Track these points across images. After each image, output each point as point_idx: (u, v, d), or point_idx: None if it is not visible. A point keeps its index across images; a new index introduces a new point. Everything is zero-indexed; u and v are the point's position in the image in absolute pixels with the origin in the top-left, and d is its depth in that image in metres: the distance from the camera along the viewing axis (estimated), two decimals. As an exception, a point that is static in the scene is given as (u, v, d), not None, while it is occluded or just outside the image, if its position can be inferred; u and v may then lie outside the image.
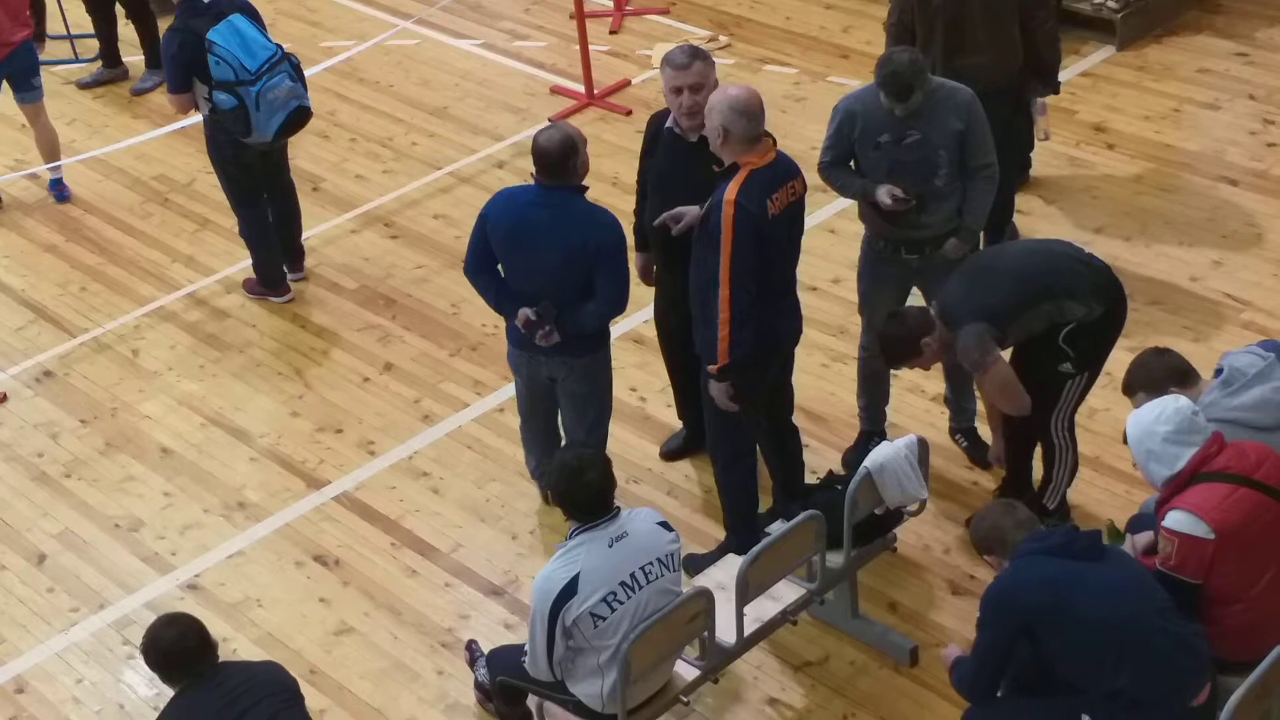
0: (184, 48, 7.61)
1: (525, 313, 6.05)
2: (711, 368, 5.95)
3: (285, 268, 8.37)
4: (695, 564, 6.17)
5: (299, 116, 7.75)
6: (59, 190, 9.31)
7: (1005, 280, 5.96)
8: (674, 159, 6.26)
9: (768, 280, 5.88)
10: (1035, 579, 4.87)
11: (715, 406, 6.10)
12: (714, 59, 6.28)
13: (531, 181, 6.04)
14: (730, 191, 5.73)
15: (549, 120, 9.66)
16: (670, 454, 7.16)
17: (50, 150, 9.21)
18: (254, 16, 7.76)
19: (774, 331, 6.07)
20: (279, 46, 7.70)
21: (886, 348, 6.17)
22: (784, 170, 5.92)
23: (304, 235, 8.82)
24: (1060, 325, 5.94)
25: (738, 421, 6.18)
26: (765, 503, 6.54)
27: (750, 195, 5.74)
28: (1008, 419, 6.29)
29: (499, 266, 6.16)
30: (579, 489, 5.14)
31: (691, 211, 6.08)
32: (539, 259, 5.98)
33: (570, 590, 5.06)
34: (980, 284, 5.99)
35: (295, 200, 8.34)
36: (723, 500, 6.46)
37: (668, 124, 6.31)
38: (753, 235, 5.74)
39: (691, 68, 6.12)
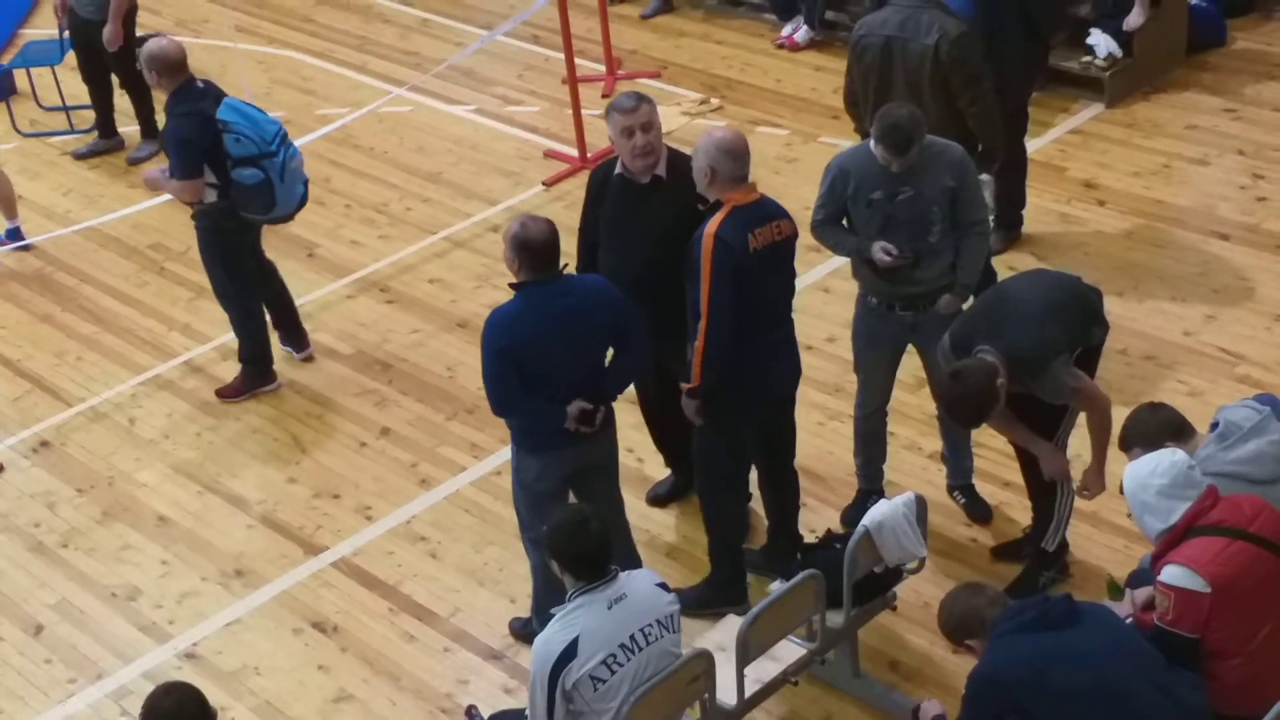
0: (200, 131, 7.47)
1: (579, 404, 5.89)
2: (685, 385, 6.09)
3: (292, 348, 8.32)
4: (682, 601, 6.13)
5: (306, 190, 7.79)
6: (16, 238, 9.43)
7: (1052, 314, 5.95)
8: (626, 204, 6.32)
9: (751, 315, 5.99)
10: (1014, 660, 4.86)
11: (701, 437, 6.24)
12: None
13: (513, 278, 5.87)
14: (711, 225, 5.92)
15: (542, 184, 9.72)
16: (657, 499, 7.19)
17: (7, 202, 9.42)
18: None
19: (763, 369, 6.14)
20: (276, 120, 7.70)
21: (966, 410, 5.86)
22: (769, 211, 6.08)
23: (300, 300, 8.86)
24: (1075, 349, 5.98)
25: (721, 450, 6.27)
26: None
27: (730, 229, 5.90)
28: (1028, 464, 6.31)
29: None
30: (586, 541, 5.11)
31: None
32: (578, 350, 5.89)
33: (570, 653, 5.04)
34: (1032, 322, 5.91)
35: (281, 279, 8.27)
36: (706, 529, 6.51)
37: (617, 171, 6.40)
38: (731, 268, 5.89)
39: (639, 109, 6.26)
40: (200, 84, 7.63)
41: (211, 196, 7.64)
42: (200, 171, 7.55)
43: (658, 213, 6.15)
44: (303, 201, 7.77)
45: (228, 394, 8.16)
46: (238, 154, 7.46)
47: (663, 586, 5.30)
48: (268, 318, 8.22)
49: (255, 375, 8.17)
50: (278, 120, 7.65)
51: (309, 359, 8.34)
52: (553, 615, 5.19)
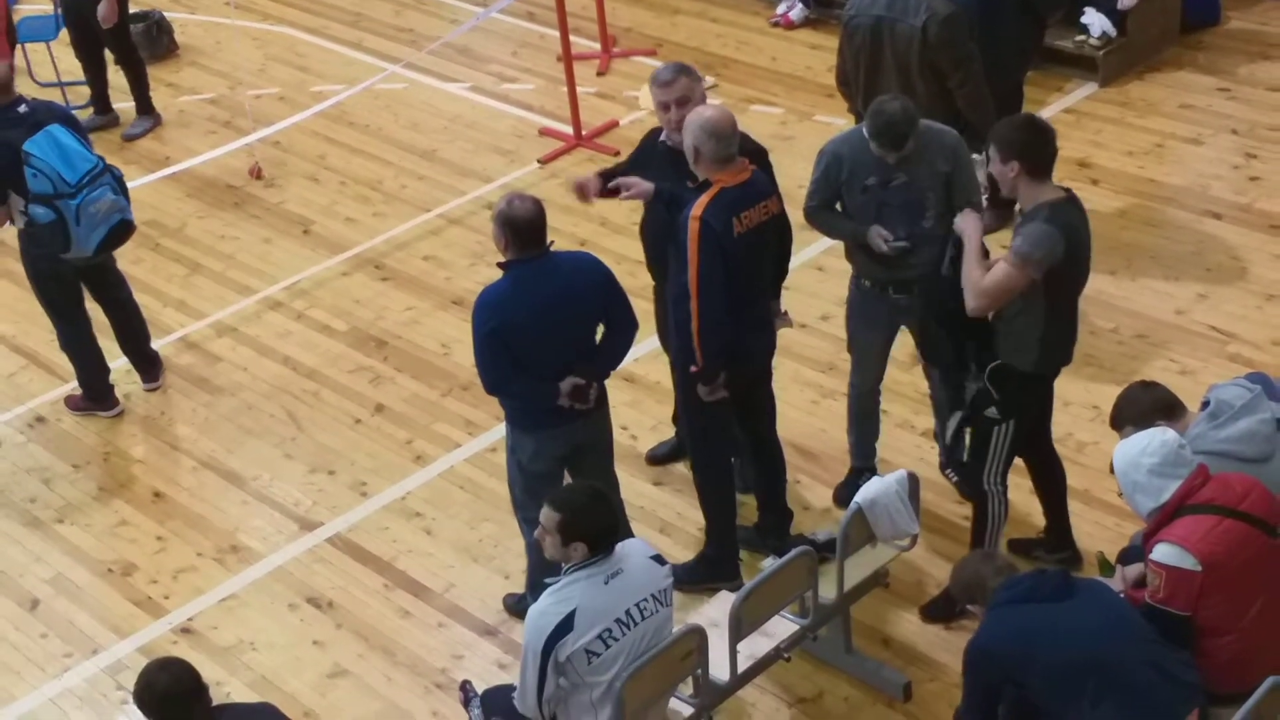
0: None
1: (572, 380, 5.90)
2: (693, 368, 6.12)
3: (140, 377, 8.10)
4: (675, 576, 6.17)
5: (122, 230, 7.50)
6: None
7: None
8: (671, 172, 6.33)
9: (733, 294, 6.00)
10: (1005, 632, 4.93)
11: (691, 412, 6.29)
12: (700, 75, 6.40)
13: (502, 256, 5.88)
14: (696, 208, 5.90)
15: (538, 162, 9.72)
16: (656, 459, 7.25)
17: None
18: (74, 126, 7.52)
19: (739, 342, 6.15)
20: (100, 158, 7.46)
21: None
22: (757, 190, 6.05)
23: (295, 277, 8.87)
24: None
25: (710, 427, 6.33)
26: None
27: (715, 213, 5.90)
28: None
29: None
30: (605, 514, 5.15)
31: (641, 184, 6.25)
32: (568, 329, 5.89)
33: (566, 627, 5.06)
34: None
35: (135, 312, 8.01)
36: (701, 505, 6.55)
37: (662, 138, 6.43)
38: (716, 250, 5.89)
39: (676, 83, 6.27)
40: (24, 108, 7.37)
41: (21, 223, 7.47)
42: (2, 200, 7.37)
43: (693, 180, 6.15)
44: (104, 247, 7.48)
45: (70, 404, 8.05)
46: (34, 189, 7.25)
47: (656, 559, 5.32)
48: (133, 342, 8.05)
49: (86, 397, 7.99)
50: (97, 160, 7.41)
51: (155, 390, 8.10)
52: (547, 585, 5.21)
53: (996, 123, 5.95)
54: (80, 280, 7.77)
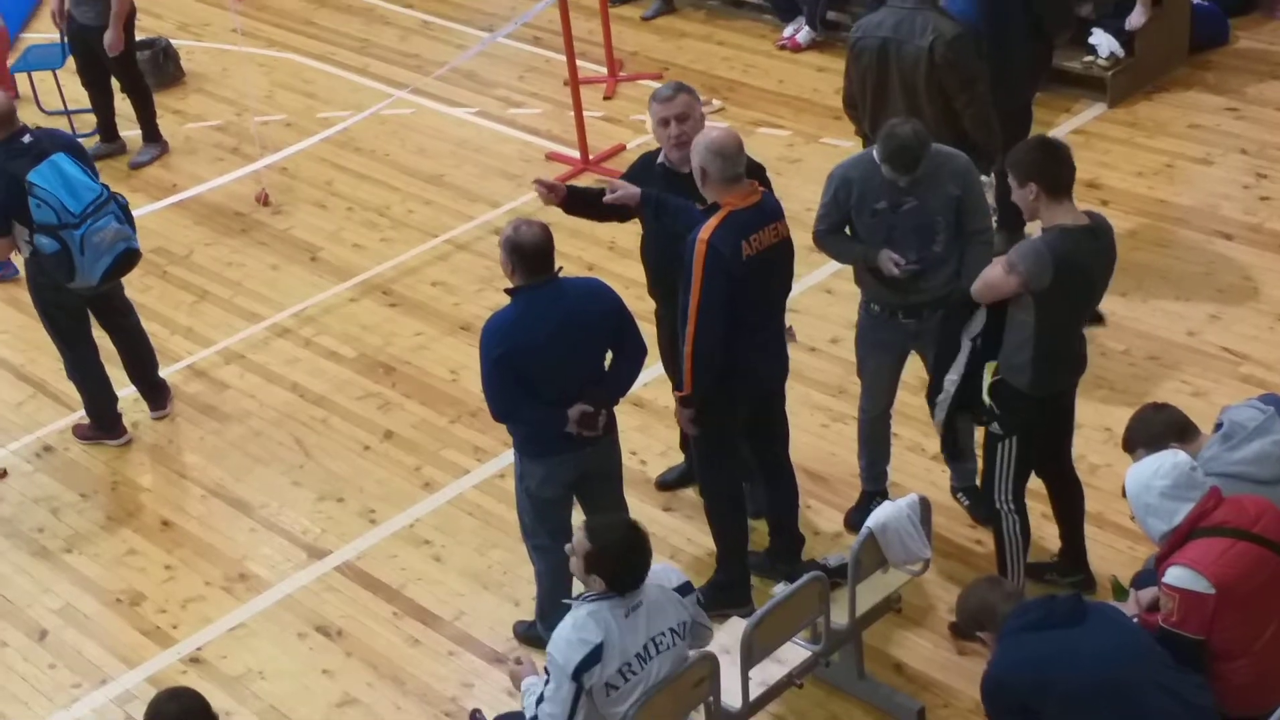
0: (3, 191, 7.22)
1: (580, 408, 5.86)
2: (676, 394, 6.11)
3: (148, 406, 8.09)
4: None
5: (127, 259, 7.50)
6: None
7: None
8: (669, 192, 6.29)
9: (741, 317, 5.98)
10: (1020, 659, 4.90)
11: (701, 437, 6.26)
12: (700, 95, 6.40)
13: (510, 282, 5.86)
14: (704, 231, 5.88)
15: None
16: (666, 484, 7.25)
17: None
18: (79, 155, 7.51)
19: (751, 368, 6.13)
20: (105, 187, 7.45)
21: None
22: (768, 212, 6.03)
23: (303, 304, 8.86)
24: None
25: (719, 452, 6.30)
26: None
27: (723, 236, 5.87)
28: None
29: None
30: (634, 559, 5.08)
31: (627, 188, 6.25)
32: (577, 355, 5.87)
33: (595, 657, 5.01)
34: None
35: (143, 339, 8.01)
36: (711, 531, 6.52)
37: (659, 159, 6.41)
38: (722, 275, 5.86)
39: (676, 99, 6.28)
40: (28, 138, 7.34)
41: (26, 253, 7.48)
42: (5, 230, 7.36)
43: (698, 202, 6.12)
44: (109, 276, 7.47)
45: (78, 433, 8.03)
46: (38, 219, 7.25)
47: (682, 589, 5.25)
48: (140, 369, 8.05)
49: (94, 426, 7.97)
50: (101, 189, 7.40)
51: (163, 418, 8.08)
52: (566, 605, 5.15)
53: (1011, 149, 5.93)
54: (87, 308, 7.77)
